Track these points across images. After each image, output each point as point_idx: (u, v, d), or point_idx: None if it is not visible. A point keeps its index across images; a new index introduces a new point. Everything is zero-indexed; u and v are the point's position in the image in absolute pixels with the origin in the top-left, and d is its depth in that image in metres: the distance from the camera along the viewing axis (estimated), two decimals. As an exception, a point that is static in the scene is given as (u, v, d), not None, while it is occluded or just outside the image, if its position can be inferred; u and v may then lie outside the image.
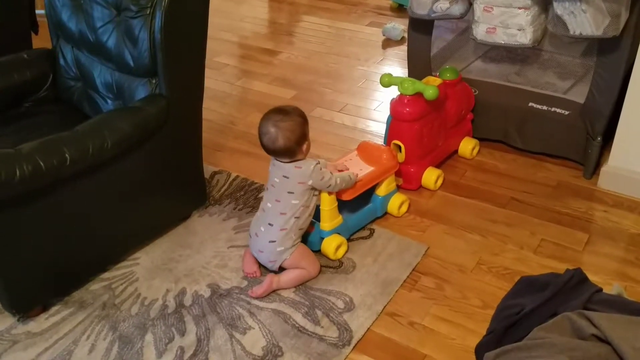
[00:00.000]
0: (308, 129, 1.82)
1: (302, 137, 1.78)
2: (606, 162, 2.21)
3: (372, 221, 2.09)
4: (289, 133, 1.75)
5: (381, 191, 2.06)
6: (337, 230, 1.93)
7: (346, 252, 1.95)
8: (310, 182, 1.80)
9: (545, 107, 2.27)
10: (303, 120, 1.80)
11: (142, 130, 1.77)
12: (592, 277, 1.63)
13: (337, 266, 1.91)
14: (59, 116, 2.06)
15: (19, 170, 1.50)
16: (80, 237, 1.76)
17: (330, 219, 1.90)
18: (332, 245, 1.90)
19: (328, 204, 1.87)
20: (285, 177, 1.80)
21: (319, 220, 1.91)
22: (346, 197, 1.92)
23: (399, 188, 2.16)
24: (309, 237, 1.92)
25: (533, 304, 1.27)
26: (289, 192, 1.80)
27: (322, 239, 1.92)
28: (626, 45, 2.02)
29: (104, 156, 1.68)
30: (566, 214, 2.11)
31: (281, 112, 1.78)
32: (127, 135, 1.73)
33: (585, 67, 2.46)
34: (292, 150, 1.78)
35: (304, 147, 1.80)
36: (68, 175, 1.62)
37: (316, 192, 1.85)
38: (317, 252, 1.94)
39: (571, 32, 1.99)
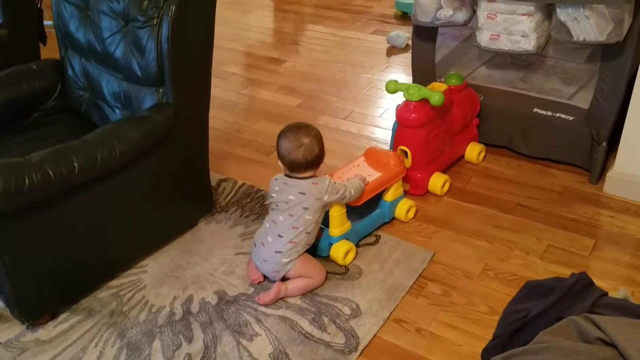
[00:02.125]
0: None
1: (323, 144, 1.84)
2: (612, 168, 2.21)
3: (380, 227, 2.09)
4: (319, 140, 1.81)
5: (389, 197, 2.06)
6: (345, 236, 1.94)
7: (354, 257, 1.96)
8: (326, 198, 1.81)
9: (549, 113, 2.28)
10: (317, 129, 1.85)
11: (150, 139, 1.79)
12: (599, 283, 1.63)
13: (343, 272, 1.92)
14: (67, 126, 2.08)
15: (29, 179, 1.52)
16: (88, 245, 1.77)
17: (339, 224, 1.90)
18: (341, 250, 1.91)
19: (337, 210, 1.88)
20: (302, 193, 1.80)
21: (327, 226, 1.92)
22: (355, 202, 1.93)
23: (406, 194, 2.17)
24: (317, 242, 1.93)
25: (538, 308, 1.27)
26: (304, 208, 1.80)
27: (331, 244, 1.93)
28: (630, 50, 2.02)
29: (112, 165, 1.70)
30: (572, 220, 2.11)
31: (300, 126, 1.83)
32: (135, 144, 1.75)
33: (589, 73, 2.47)
34: (322, 158, 1.82)
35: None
36: (77, 184, 1.64)
37: (327, 207, 1.87)
38: (326, 257, 1.94)
39: (575, 38, 2.00)
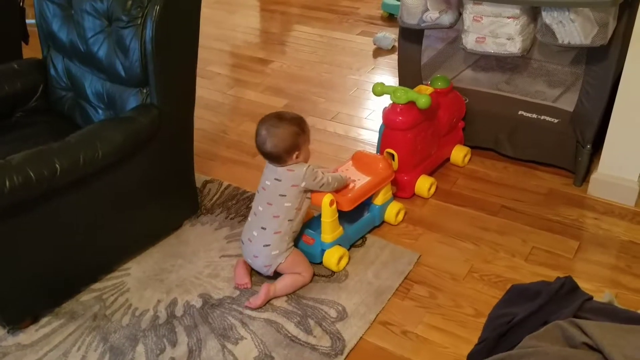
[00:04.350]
0: (304, 140, 1.82)
1: (292, 147, 1.78)
2: (596, 170, 2.22)
3: (370, 230, 2.08)
4: (277, 140, 1.77)
5: (378, 200, 2.06)
6: (338, 242, 1.92)
7: (348, 262, 1.94)
8: (303, 185, 1.80)
9: (534, 116, 2.29)
10: (298, 130, 1.80)
11: (134, 140, 1.77)
12: (584, 285, 1.64)
13: (330, 275, 1.91)
14: (50, 126, 2.05)
15: (9, 181, 1.49)
16: (71, 248, 1.74)
17: (331, 230, 1.89)
18: (335, 256, 1.89)
19: (329, 215, 1.86)
20: (277, 179, 1.81)
21: (318, 233, 1.90)
22: (346, 207, 1.91)
23: (394, 197, 2.16)
24: (309, 250, 1.91)
25: (524, 312, 1.27)
26: (281, 195, 1.80)
27: (324, 251, 1.91)
28: (614, 53, 2.04)
29: (95, 166, 1.68)
30: (557, 222, 2.12)
31: (278, 117, 1.82)
32: (119, 146, 1.72)
33: (574, 76, 2.49)
34: (279, 157, 1.79)
35: (294, 156, 1.80)
36: (59, 186, 1.61)
37: (308, 195, 1.85)
38: (319, 264, 1.92)
39: (560, 41, 2.01)
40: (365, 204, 2.03)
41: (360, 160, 2.08)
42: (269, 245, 1.80)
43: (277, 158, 1.80)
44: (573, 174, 2.30)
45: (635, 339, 1.11)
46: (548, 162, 2.36)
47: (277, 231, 1.80)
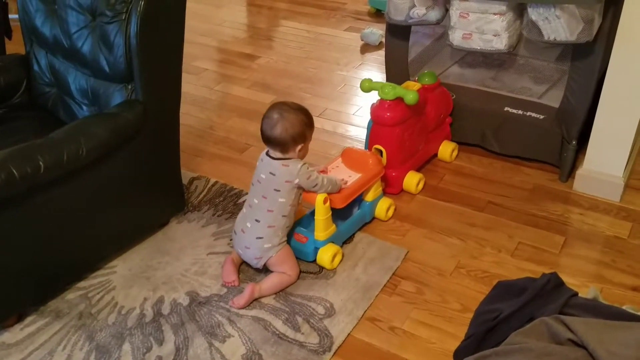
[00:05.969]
0: (310, 134, 1.84)
1: (299, 135, 1.79)
2: (581, 166, 2.24)
3: (361, 227, 2.08)
4: (289, 125, 1.77)
5: (369, 197, 2.06)
6: (331, 239, 1.92)
7: (341, 260, 1.94)
8: (297, 181, 1.80)
9: (520, 112, 2.30)
10: (307, 121, 1.82)
11: (119, 136, 1.75)
12: (569, 280, 1.66)
13: (317, 271, 1.91)
14: (33, 122, 2.02)
15: (-8, 178, 1.47)
16: (56, 245, 1.73)
17: (325, 228, 1.88)
18: (328, 254, 1.88)
19: (323, 213, 1.85)
20: (272, 174, 1.80)
21: (311, 230, 1.89)
22: (339, 204, 1.90)
23: (383, 193, 2.16)
24: (302, 248, 1.90)
25: (510, 308, 1.28)
26: (275, 190, 1.80)
27: (317, 249, 1.90)
28: (599, 50, 2.06)
29: (79, 163, 1.66)
30: (543, 217, 2.14)
31: (290, 105, 1.83)
32: (103, 142, 1.71)
33: (559, 72, 2.50)
34: (286, 144, 1.79)
35: (298, 147, 1.81)
36: (43, 182, 1.59)
37: (302, 192, 1.85)
38: (312, 262, 1.92)
39: (546, 38, 2.02)
40: (355, 201, 2.03)
41: (349, 156, 2.08)
42: (261, 237, 1.80)
43: (282, 145, 1.79)
44: (558, 170, 2.32)
45: (619, 335, 1.12)
46: (534, 158, 2.38)
47: (270, 225, 1.80)
